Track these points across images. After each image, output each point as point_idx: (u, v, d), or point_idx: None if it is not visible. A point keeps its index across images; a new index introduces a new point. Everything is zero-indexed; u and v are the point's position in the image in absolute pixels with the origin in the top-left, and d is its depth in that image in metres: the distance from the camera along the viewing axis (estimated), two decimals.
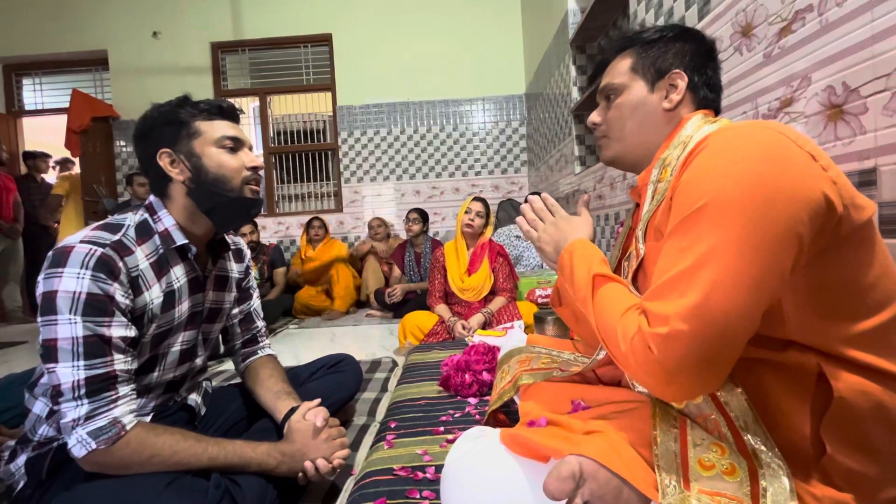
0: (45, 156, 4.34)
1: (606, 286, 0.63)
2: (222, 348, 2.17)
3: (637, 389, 0.68)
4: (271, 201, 4.63)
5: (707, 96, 0.70)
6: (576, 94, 2.72)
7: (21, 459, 0.78)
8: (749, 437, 0.54)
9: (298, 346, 2.57)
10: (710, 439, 0.55)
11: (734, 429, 0.55)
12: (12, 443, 0.82)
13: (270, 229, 4.45)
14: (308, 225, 3.77)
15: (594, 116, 0.76)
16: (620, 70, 0.72)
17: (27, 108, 4.64)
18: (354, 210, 4.46)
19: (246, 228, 3.42)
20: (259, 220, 4.25)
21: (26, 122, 4.70)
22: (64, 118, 4.14)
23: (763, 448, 0.53)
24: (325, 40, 4.43)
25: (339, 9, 4.35)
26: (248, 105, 5.00)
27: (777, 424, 0.54)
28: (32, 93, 4.67)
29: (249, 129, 5.03)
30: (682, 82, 0.68)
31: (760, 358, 0.55)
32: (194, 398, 1.01)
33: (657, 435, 0.57)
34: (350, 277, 3.60)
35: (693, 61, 0.69)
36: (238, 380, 1.12)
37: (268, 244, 3.73)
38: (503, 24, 4.32)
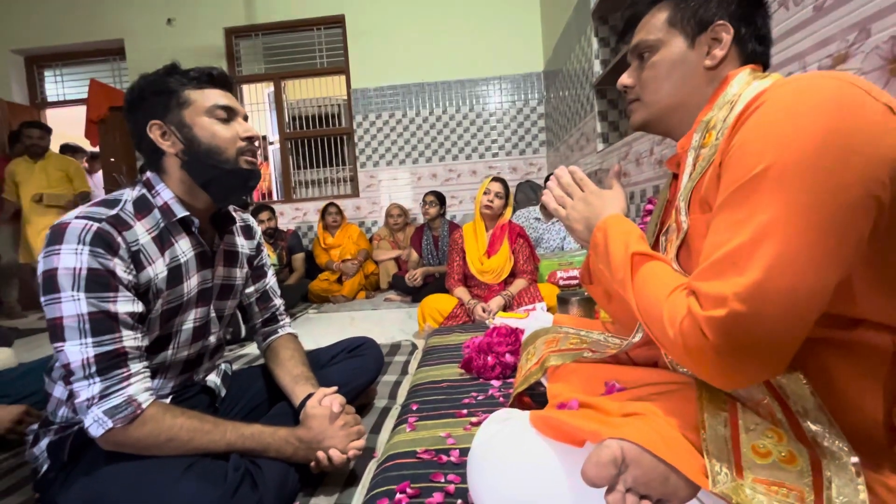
0: (82, 151, 4.42)
1: (647, 265, 0.57)
2: (244, 331, 2.18)
3: (680, 370, 0.63)
4: (288, 187, 4.63)
5: (756, 50, 0.63)
6: (598, 68, 2.60)
7: (44, 443, 0.78)
8: (809, 423, 0.49)
9: (317, 331, 2.57)
10: (765, 424, 0.50)
11: (790, 414, 0.50)
12: (35, 426, 0.82)
13: (288, 215, 4.46)
14: (324, 212, 3.76)
15: (625, 78, 0.69)
16: (656, 24, 0.65)
17: (49, 99, 4.72)
18: (371, 195, 4.43)
19: (264, 215, 3.43)
20: (276, 207, 4.27)
21: (48, 113, 4.78)
22: (83, 108, 4.19)
23: (826, 435, 0.47)
24: (338, 22, 4.36)
25: None
26: (263, 91, 4.98)
27: (843, 409, 0.49)
28: (54, 84, 4.74)
29: (265, 114, 5.01)
30: (727, 35, 0.61)
31: (822, 337, 0.50)
32: (213, 380, 0.99)
33: (705, 418, 0.52)
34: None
35: (740, 10, 0.62)
36: (259, 362, 1.11)
37: (286, 230, 3.74)
38: (520, 0, 4.17)
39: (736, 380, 0.48)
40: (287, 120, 4.61)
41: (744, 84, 0.60)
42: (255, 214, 3.46)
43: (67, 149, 4.27)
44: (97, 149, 4.36)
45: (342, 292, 3.46)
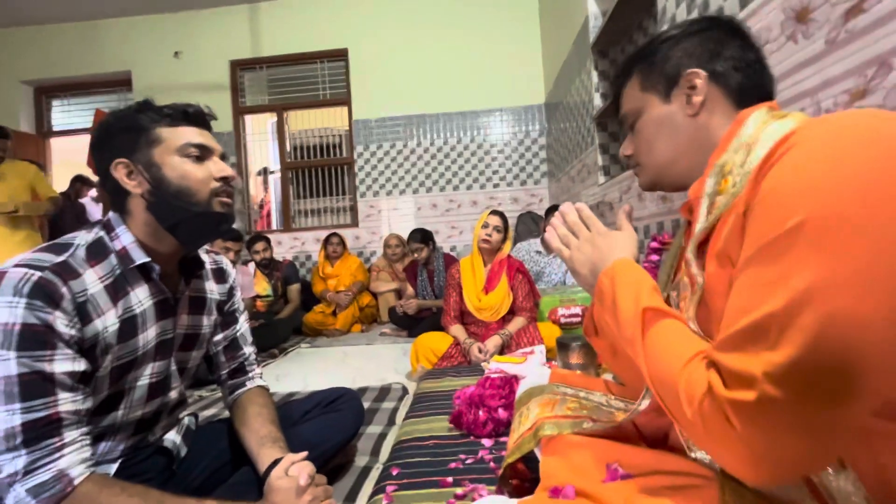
0: (92, 183, 4.38)
1: (661, 324, 0.50)
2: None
3: (694, 455, 0.54)
4: (287, 217, 4.60)
5: (743, 82, 0.58)
6: (598, 101, 2.58)
7: None
8: None
9: (308, 367, 2.46)
10: None
11: None
12: None
13: (286, 245, 4.41)
14: (326, 241, 3.70)
15: (624, 148, 0.70)
16: (633, 94, 0.66)
17: (57, 128, 4.77)
18: (370, 225, 4.38)
19: (259, 245, 3.37)
20: (274, 236, 4.22)
21: (53, 141, 4.82)
22: (87, 138, 4.21)
23: None
24: (341, 55, 4.43)
25: (355, 23, 4.35)
26: (267, 121, 5.03)
27: None
28: (62, 114, 4.81)
29: (267, 144, 5.04)
30: (699, 80, 0.58)
31: (878, 430, 0.40)
32: (172, 438, 0.89)
33: None
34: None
35: (706, 52, 0.59)
36: None
37: (282, 259, 3.67)
38: (521, 33, 4.23)
39: (769, 476, 0.39)
40: (288, 150, 4.63)
41: (760, 124, 0.53)
42: (250, 245, 3.40)
43: (79, 180, 4.24)
44: (92, 172, 4.33)
45: (336, 325, 3.35)
